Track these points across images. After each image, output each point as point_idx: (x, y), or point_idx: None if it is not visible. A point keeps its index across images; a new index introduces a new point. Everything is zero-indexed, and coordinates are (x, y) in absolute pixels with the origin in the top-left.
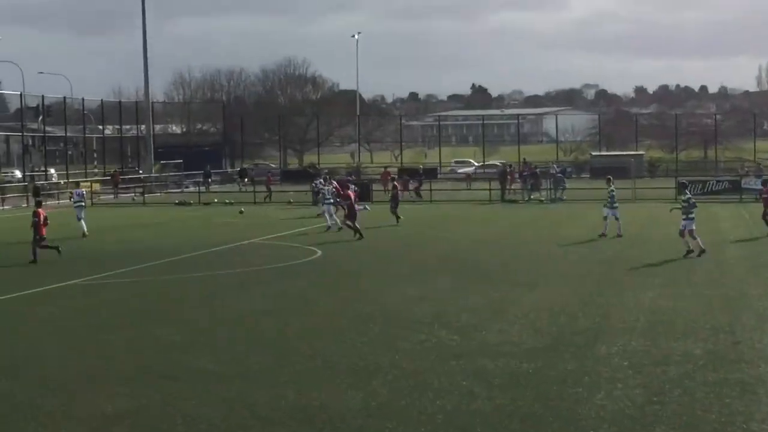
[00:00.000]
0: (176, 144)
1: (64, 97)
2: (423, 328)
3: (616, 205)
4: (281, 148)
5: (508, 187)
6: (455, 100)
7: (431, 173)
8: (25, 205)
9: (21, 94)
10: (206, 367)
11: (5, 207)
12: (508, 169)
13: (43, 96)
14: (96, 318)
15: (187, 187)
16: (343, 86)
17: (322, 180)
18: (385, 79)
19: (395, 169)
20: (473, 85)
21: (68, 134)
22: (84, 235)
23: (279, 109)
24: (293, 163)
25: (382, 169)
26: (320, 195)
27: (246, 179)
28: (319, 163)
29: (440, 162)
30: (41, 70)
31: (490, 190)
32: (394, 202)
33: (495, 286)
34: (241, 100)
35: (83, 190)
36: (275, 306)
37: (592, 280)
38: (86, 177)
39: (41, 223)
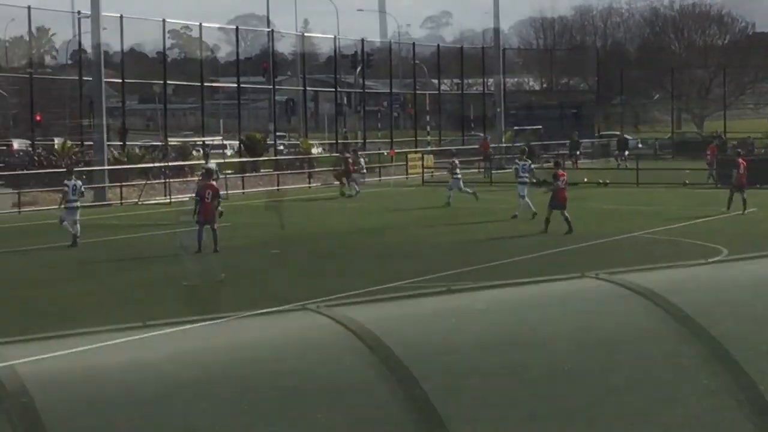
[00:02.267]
0: (532, 104)
1: (390, 42)
2: None
3: None
4: (673, 111)
5: None
6: None
7: None
8: (337, 182)
9: (334, 38)
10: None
11: (313, 184)
12: None
13: (362, 40)
14: None
15: (547, 161)
16: (761, 27)
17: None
18: None
19: None
20: None
21: (393, 90)
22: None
23: (672, 59)
24: (690, 131)
25: None
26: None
27: (627, 152)
28: (725, 131)
29: None
30: (360, 7)
31: None
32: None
33: None
34: (620, 47)
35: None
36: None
37: None
38: (416, 146)
39: (206, 200)
